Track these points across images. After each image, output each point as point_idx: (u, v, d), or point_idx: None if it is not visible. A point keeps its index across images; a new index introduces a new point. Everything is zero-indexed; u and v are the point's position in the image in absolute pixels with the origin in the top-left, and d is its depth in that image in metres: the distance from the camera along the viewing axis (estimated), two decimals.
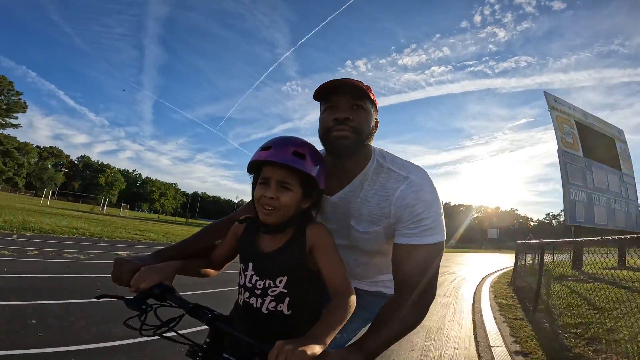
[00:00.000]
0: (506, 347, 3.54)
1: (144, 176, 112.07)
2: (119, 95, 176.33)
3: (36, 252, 6.02)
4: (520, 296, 6.62)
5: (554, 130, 11.90)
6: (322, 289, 0.89)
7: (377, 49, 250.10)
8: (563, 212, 11.97)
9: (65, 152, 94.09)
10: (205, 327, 0.76)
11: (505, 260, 19.76)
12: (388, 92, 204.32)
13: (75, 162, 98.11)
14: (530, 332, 4.04)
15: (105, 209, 41.76)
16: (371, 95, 0.97)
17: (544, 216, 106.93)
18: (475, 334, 4.14)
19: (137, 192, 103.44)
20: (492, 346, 3.58)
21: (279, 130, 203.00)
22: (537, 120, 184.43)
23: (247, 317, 0.91)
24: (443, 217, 0.97)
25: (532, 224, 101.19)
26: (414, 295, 0.89)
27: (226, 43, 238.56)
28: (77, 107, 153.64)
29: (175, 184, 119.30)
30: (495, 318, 4.86)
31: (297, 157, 0.84)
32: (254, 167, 0.91)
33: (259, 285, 0.88)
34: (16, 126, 43.55)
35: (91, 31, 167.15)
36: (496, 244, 70.98)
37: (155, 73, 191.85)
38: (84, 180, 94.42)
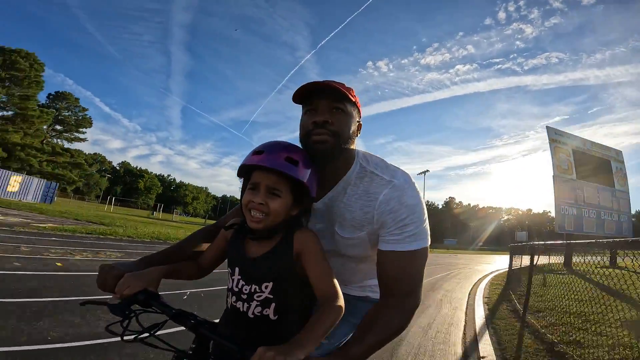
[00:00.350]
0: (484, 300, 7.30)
1: (175, 180, 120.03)
2: (149, 102, 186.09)
3: None
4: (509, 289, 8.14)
5: (551, 159, 15.40)
6: (310, 294, 0.87)
7: (398, 48, 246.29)
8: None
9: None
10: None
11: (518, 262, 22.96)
12: (411, 92, 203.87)
13: (117, 167, 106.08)
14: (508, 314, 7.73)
15: (160, 214, 47.30)
16: (352, 97, 0.96)
17: None
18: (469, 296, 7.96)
19: (172, 196, 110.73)
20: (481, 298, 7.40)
21: None
22: (572, 118, 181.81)
23: (234, 321, 0.92)
24: (427, 222, 0.98)
25: None
26: (398, 301, 0.91)
27: (248, 47, 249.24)
28: (112, 114, 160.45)
29: (206, 187, 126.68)
30: (483, 291, 8.67)
31: (289, 163, 0.83)
32: (244, 171, 0.90)
33: (245, 290, 0.88)
34: (83, 140, 48.96)
35: (121, 39, 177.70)
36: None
37: (182, 78, 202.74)
38: (125, 185, 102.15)
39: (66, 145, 44.19)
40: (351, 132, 0.97)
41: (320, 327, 0.73)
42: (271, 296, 0.86)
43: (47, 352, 2.36)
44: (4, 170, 25.01)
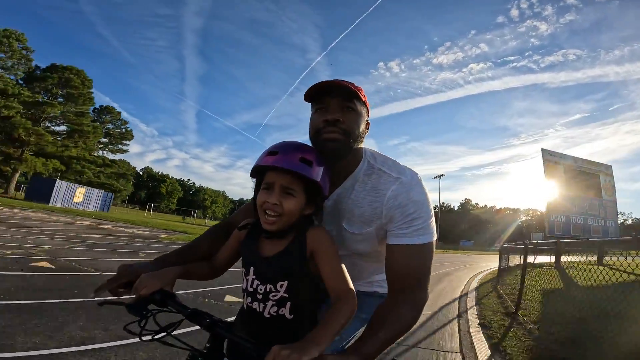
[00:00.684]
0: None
1: (195, 184, 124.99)
2: (165, 106, 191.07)
3: None
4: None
5: (544, 175, 18.81)
6: (325, 292, 0.88)
7: (409, 48, 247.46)
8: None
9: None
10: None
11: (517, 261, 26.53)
12: (424, 92, 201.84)
13: (140, 172, 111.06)
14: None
15: (194, 219, 51.15)
16: (362, 96, 0.97)
17: None
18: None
19: (192, 200, 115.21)
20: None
21: None
22: (593, 115, 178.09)
23: (250, 322, 0.92)
24: (433, 219, 1.01)
25: None
26: (408, 296, 0.92)
27: (259, 51, 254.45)
28: (130, 118, 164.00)
29: (224, 191, 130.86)
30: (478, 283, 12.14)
31: (304, 164, 0.85)
32: (258, 172, 0.91)
33: (260, 289, 0.89)
34: (125, 151, 52.98)
35: (136, 44, 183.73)
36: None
37: (196, 82, 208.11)
38: (148, 190, 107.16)
39: (110, 156, 48.64)
40: (361, 130, 0.99)
41: (335, 324, 0.75)
42: (286, 295, 0.87)
43: None
44: (72, 184, 29.51)
